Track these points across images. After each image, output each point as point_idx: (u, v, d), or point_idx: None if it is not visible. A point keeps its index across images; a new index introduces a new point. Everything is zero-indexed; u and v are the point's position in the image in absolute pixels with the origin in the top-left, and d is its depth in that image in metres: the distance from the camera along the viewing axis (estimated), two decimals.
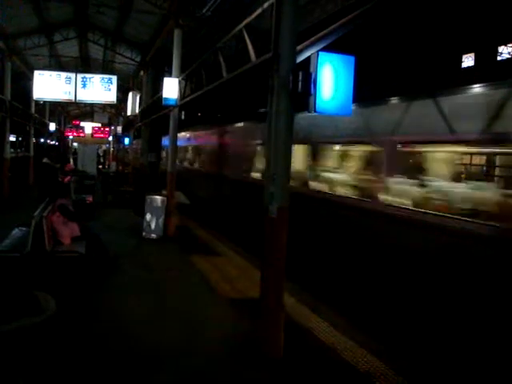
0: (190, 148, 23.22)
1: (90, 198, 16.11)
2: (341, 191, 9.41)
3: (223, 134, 17.46)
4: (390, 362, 5.77)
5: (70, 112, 53.64)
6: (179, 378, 5.33)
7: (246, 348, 5.99)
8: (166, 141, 20.89)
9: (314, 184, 10.28)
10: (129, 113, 25.69)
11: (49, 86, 19.68)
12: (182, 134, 22.48)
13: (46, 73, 20.13)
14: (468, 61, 28.22)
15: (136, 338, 6.27)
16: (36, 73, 19.94)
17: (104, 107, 39.27)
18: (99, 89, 20.30)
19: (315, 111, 5.45)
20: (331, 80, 5.43)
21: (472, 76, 20.83)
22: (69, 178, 16.36)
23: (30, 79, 21.74)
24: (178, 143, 15.31)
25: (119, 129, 37.48)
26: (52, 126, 38.88)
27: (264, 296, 5.83)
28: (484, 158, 8.41)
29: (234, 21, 9.29)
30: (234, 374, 5.48)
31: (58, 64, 29.49)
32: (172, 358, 5.75)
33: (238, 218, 14.30)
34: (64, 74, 20.19)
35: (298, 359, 5.84)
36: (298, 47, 5.77)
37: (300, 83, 5.42)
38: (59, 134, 46.42)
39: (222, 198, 16.40)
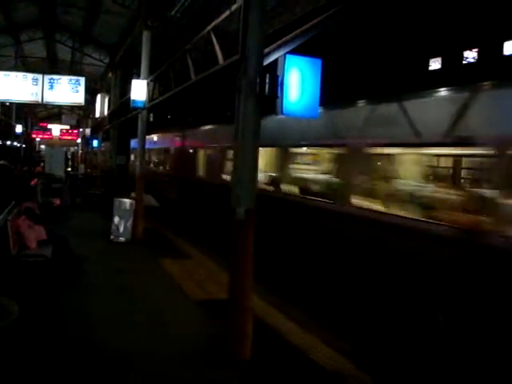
0: (158, 151, 23.10)
1: (57, 201, 15.89)
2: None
3: (190, 136, 17.45)
4: (356, 361, 5.84)
5: (38, 114, 52.87)
6: (144, 380, 5.30)
7: (214, 350, 5.97)
8: (134, 143, 20.75)
9: None
10: (97, 115, 25.48)
11: (15, 87, 19.35)
12: (151, 137, 22.35)
13: (12, 74, 19.80)
14: (435, 64, 28.67)
15: (102, 342, 6.20)
16: (1, 73, 19.59)
17: (72, 109, 38.82)
18: (67, 90, 20.05)
19: (282, 113, 5.48)
20: (298, 82, 5.48)
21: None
22: (35, 180, 16.12)
23: None
24: (147, 146, 15.23)
25: (88, 131, 37.05)
26: (18, 128, 38.23)
27: (232, 298, 5.82)
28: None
29: (202, 23, 9.29)
30: (200, 375, 5.47)
31: (24, 65, 29.03)
32: (138, 360, 5.70)
33: (207, 220, 14.28)
34: (31, 75, 19.87)
35: (267, 360, 5.85)
36: (266, 50, 5.80)
37: (267, 85, 5.44)
38: (26, 136, 45.72)
39: (191, 201, 16.36)
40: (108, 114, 23.33)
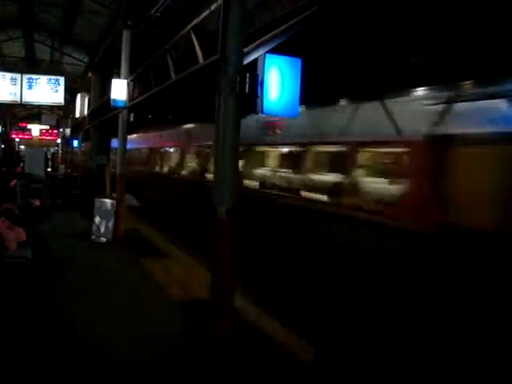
0: (141, 151, 23.01)
1: (37, 202, 15.73)
2: None
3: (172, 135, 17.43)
4: (334, 357, 5.91)
5: (17, 114, 52.23)
6: (122, 380, 5.32)
7: (195, 350, 5.99)
8: (115, 143, 20.64)
9: None
10: (77, 115, 25.22)
11: None
12: (133, 136, 22.24)
13: None
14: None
15: (82, 342, 6.20)
16: None
17: (52, 109, 38.39)
18: (46, 90, 19.85)
19: (262, 113, 5.50)
20: (278, 82, 5.49)
21: None
22: (14, 181, 15.96)
23: None
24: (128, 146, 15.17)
25: (68, 131, 36.68)
26: None
27: (213, 297, 5.82)
28: None
29: (182, 22, 9.25)
30: (180, 375, 5.51)
31: (3, 64, 28.63)
32: (118, 360, 5.71)
33: (188, 219, 14.26)
34: (9, 75, 19.64)
35: (247, 359, 5.88)
36: (246, 49, 5.79)
37: (247, 85, 5.45)
38: (5, 137, 45.19)
39: (171, 200, 16.32)
40: (88, 113, 23.11)
